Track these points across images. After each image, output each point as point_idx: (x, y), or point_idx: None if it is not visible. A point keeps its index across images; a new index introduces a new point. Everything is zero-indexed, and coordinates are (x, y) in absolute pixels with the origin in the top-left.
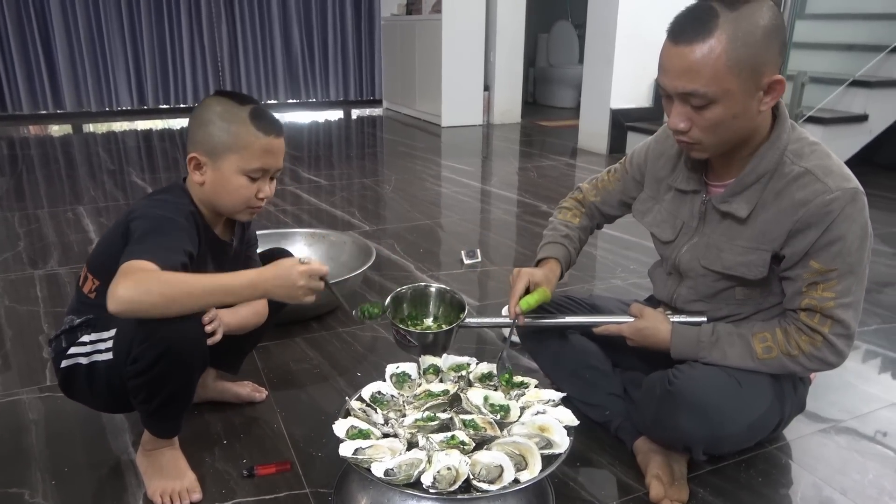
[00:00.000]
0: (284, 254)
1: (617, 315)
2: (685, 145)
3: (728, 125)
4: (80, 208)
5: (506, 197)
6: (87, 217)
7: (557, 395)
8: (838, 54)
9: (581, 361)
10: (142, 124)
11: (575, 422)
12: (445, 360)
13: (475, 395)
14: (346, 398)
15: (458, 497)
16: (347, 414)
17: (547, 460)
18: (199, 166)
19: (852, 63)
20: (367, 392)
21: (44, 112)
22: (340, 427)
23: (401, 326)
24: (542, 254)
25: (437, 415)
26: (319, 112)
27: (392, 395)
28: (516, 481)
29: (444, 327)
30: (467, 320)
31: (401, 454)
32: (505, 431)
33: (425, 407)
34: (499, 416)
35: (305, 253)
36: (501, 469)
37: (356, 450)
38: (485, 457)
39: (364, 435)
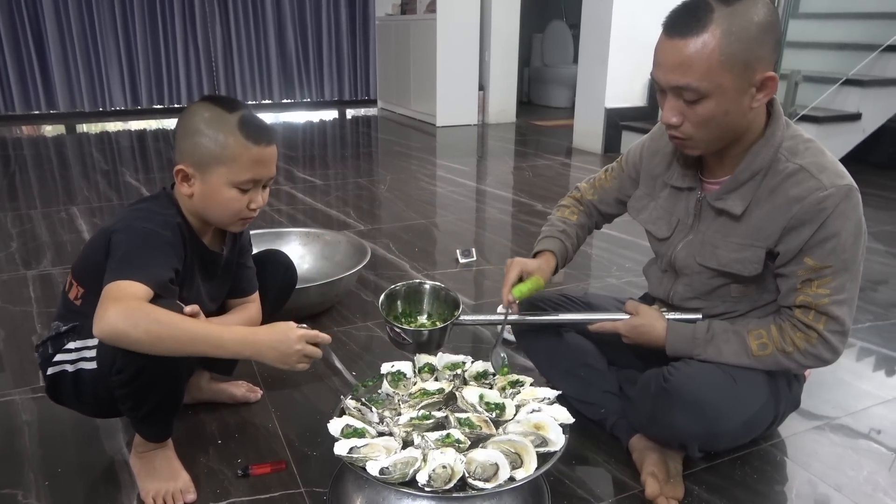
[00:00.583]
0: (279, 254)
1: (612, 313)
2: (678, 142)
3: (720, 121)
4: (73, 208)
5: (501, 196)
6: (81, 217)
7: (553, 393)
8: (832, 53)
9: (576, 359)
10: (135, 124)
11: (570, 420)
12: (440, 359)
13: (470, 393)
14: (341, 397)
15: (454, 495)
16: (342, 413)
17: (542, 458)
18: (187, 178)
19: (846, 62)
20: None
21: (37, 112)
22: (335, 426)
23: (395, 324)
24: (538, 247)
25: (433, 413)
26: (314, 112)
27: (387, 394)
28: (512, 479)
29: (439, 325)
30: (462, 317)
31: (396, 453)
32: (500, 429)
33: (420, 405)
34: (494, 415)
35: (300, 252)
36: (497, 467)
37: (351, 448)
38: (480, 455)
39: (359, 434)
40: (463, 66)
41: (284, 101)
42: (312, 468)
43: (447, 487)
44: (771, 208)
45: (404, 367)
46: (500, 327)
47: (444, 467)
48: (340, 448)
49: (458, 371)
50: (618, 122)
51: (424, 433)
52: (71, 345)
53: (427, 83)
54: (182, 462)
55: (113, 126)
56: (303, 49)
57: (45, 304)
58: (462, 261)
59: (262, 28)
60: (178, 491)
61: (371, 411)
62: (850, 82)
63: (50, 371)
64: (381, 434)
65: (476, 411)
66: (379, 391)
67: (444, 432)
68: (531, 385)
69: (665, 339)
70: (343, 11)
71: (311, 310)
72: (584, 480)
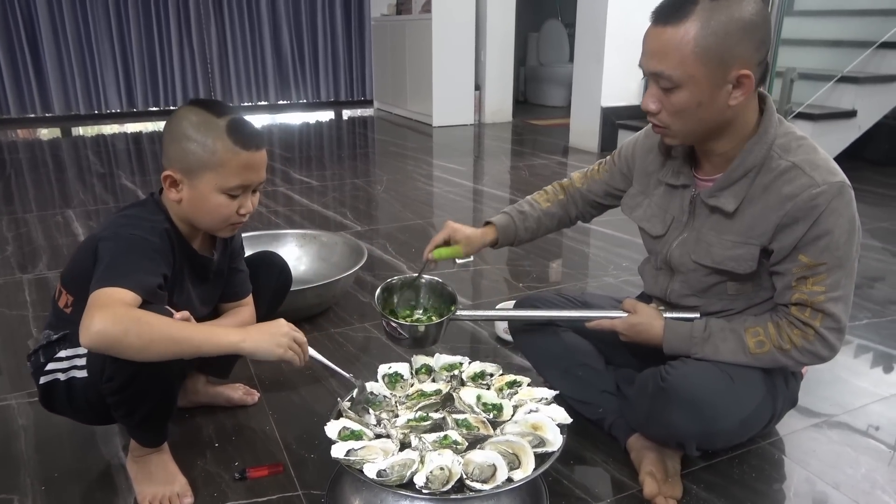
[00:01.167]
0: (274, 256)
1: (610, 311)
2: (657, 130)
3: (692, 112)
4: (69, 212)
5: (498, 196)
6: (77, 221)
7: (550, 393)
8: (827, 50)
9: (573, 359)
10: (131, 127)
11: (568, 420)
12: (437, 360)
13: (468, 394)
14: (339, 399)
15: (452, 497)
16: (340, 415)
17: (540, 459)
18: (175, 184)
19: (841, 59)
20: (347, 403)
21: (32, 115)
22: (332, 428)
23: (391, 318)
24: (490, 218)
25: (430, 414)
26: (310, 113)
27: (384, 396)
28: (510, 480)
29: (435, 319)
30: (458, 312)
31: (393, 455)
32: (498, 430)
33: (418, 407)
34: (491, 415)
35: (296, 253)
36: (494, 468)
37: (348, 451)
38: (478, 456)
39: (356, 436)
40: (459, 65)
41: (280, 102)
42: (310, 471)
43: (445, 489)
44: (764, 206)
45: (401, 368)
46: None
47: (441, 469)
48: (338, 451)
49: (456, 372)
50: (614, 120)
51: (422, 435)
52: (62, 353)
53: (423, 83)
54: (179, 466)
55: (108, 129)
56: (298, 50)
57: (41, 308)
58: (459, 261)
59: (257, 29)
60: (175, 495)
61: (368, 413)
62: (845, 79)
63: (42, 380)
64: (378, 436)
65: (473, 412)
66: (375, 393)
67: (442, 434)
68: (529, 385)
69: (662, 337)
70: (338, 12)
71: (308, 311)
72: (582, 480)
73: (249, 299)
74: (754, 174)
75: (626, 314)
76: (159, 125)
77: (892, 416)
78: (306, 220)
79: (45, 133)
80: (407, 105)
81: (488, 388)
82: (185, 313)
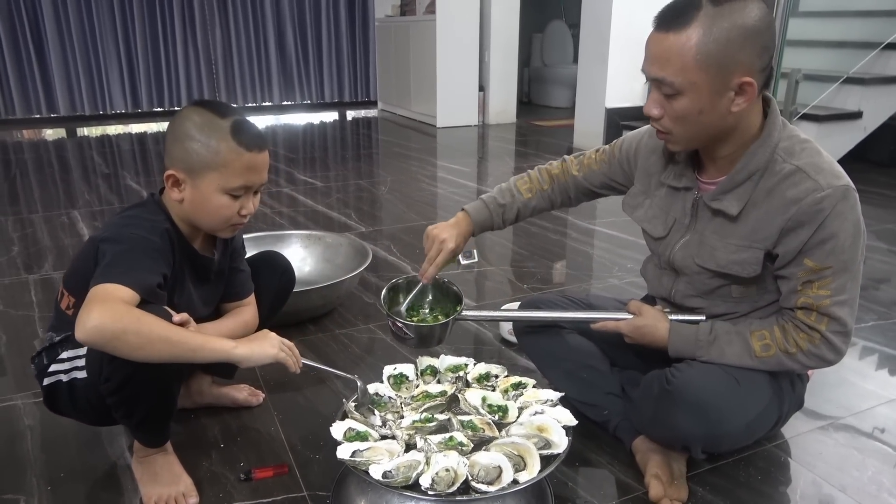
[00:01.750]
0: (276, 256)
1: (614, 313)
2: (660, 135)
3: (694, 119)
4: (74, 212)
5: None
6: (82, 221)
7: (555, 395)
8: (832, 51)
9: (578, 361)
10: (136, 127)
11: (573, 422)
12: (443, 361)
13: (473, 395)
14: (344, 400)
15: (457, 498)
16: (345, 416)
17: (545, 461)
18: (178, 183)
19: (846, 60)
20: (352, 405)
21: (37, 116)
22: (338, 429)
23: (397, 318)
24: (470, 208)
25: (435, 416)
26: (314, 114)
27: (390, 397)
28: (515, 482)
29: (441, 319)
30: (464, 312)
31: (399, 456)
32: (503, 432)
33: (423, 408)
34: (497, 417)
35: (301, 254)
36: (500, 470)
37: (354, 452)
38: (483, 458)
39: (362, 437)
40: (463, 66)
41: (284, 103)
42: (315, 472)
43: (450, 491)
44: (768, 209)
45: (406, 369)
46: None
47: (447, 470)
48: (343, 452)
49: (461, 373)
50: (618, 121)
51: (427, 436)
52: (64, 354)
53: (427, 84)
54: (184, 466)
55: (113, 129)
56: (302, 51)
57: (47, 309)
58: (463, 262)
59: (261, 30)
60: (181, 495)
61: (374, 414)
62: (850, 80)
63: (46, 382)
64: (383, 437)
65: (479, 414)
66: (380, 394)
67: (447, 435)
68: (534, 387)
69: (668, 340)
70: (342, 13)
71: (313, 312)
72: (588, 483)
73: (252, 299)
74: (758, 177)
75: (630, 316)
76: (164, 126)
77: None
78: (310, 220)
79: (51, 133)
80: (411, 106)
81: (493, 390)
82: (184, 316)
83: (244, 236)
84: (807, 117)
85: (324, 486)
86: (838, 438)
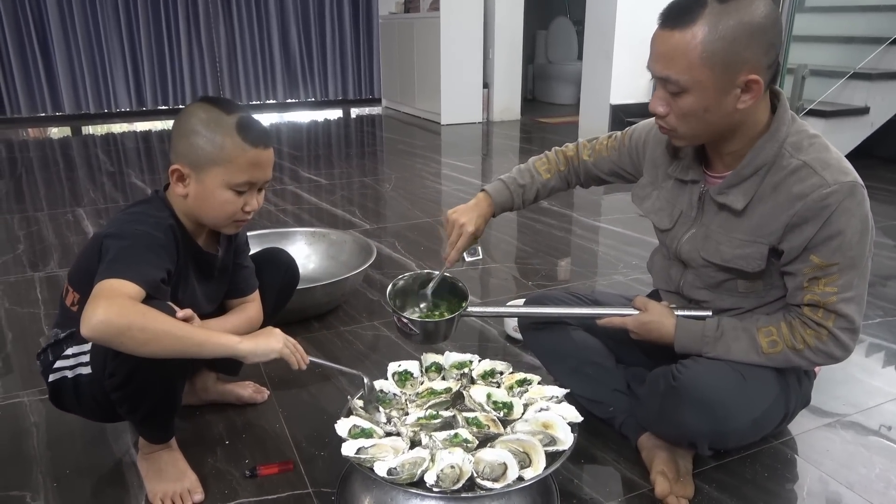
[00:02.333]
0: (280, 253)
1: (620, 309)
2: (664, 132)
3: (700, 117)
4: (79, 210)
5: None
6: (87, 219)
7: (561, 392)
8: (839, 47)
9: (584, 357)
10: (140, 125)
11: (579, 418)
12: (447, 358)
13: (478, 392)
14: (349, 397)
15: (462, 496)
16: (350, 413)
17: (551, 457)
18: (182, 178)
19: (853, 55)
20: (359, 402)
21: (42, 115)
22: (343, 426)
23: (402, 315)
24: (490, 188)
25: (440, 413)
26: (318, 111)
27: (394, 394)
28: (520, 479)
29: (447, 315)
30: (470, 309)
31: (404, 453)
32: (508, 429)
33: (428, 405)
34: (502, 414)
35: (306, 252)
36: (505, 467)
37: (359, 449)
38: (488, 454)
39: (367, 434)
40: (467, 63)
41: (288, 100)
42: (320, 469)
43: (455, 487)
44: (774, 205)
45: (411, 366)
46: (440, 270)
47: (452, 467)
48: (348, 449)
49: (466, 370)
50: (623, 118)
51: (432, 433)
52: (69, 351)
53: (431, 81)
54: (189, 463)
55: (118, 127)
56: (306, 48)
57: (52, 306)
58: (468, 259)
59: (265, 28)
60: (186, 491)
61: (378, 411)
62: (857, 76)
63: (51, 378)
64: (388, 434)
65: (484, 410)
66: (385, 391)
67: (452, 432)
68: (539, 384)
69: (674, 336)
70: (346, 10)
71: (318, 309)
72: (593, 480)
73: (256, 295)
74: (764, 172)
75: (636, 312)
76: (168, 124)
77: None
78: (315, 218)
79: (56, 132)
80: (415, 103)
81: (498, 387)
82: (188, 312)
83: (248, 233)
84: (813, 113)
85: (329, 483)
86: (845, 435)
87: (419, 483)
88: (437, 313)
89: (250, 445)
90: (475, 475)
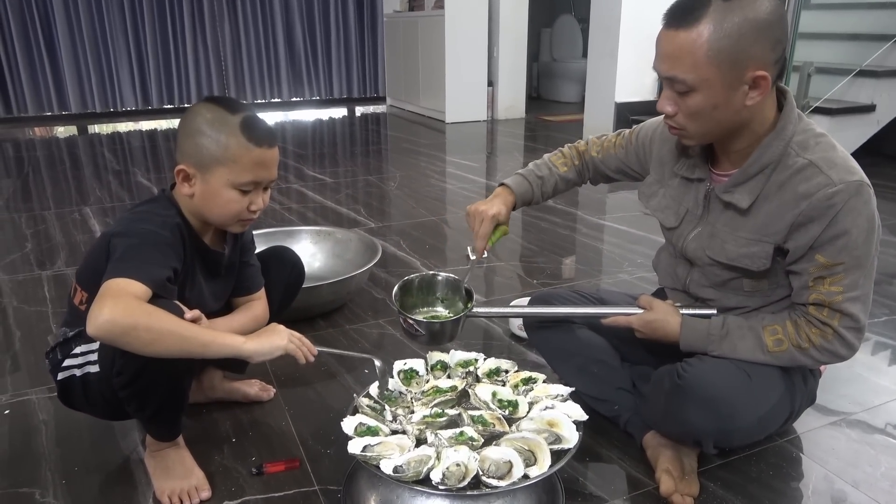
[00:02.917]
0: (286, 251)
1: (625, 307)
2: (673, 131)
3: (709, 115)
4: (86, 209)
5: None
6: (94, 217)
7: (566, 390)
8: (845, 44)
9: (589, 356)
10: (146, 124)
11: (584, 417)
12: (453, 356)
13: (483, 390)
14: (355, 395)
15: (468, 493)
16: (356, 411)
17: (556, 456)
18: (188, 178)
19: (859, 53)
20: (375, 389)
21: (48, 114)
22: (349, 424)
23: (408, 315)
24: (510, 181)
25: (446, 411)
26: (323, 110)
27: (400, 392)
28: (526, 477)
29: (453, 316)
30: (475, 309)
31: (409, 451)
32: (513, 427)
33: (433, 403)
34: (507, 412)
35: (311, 250)
36: (511, 465)
37: (365, 447)
38: (494, 452)
39: (372, 432)
40: (471, 61)
41: (293, 99)
42: (326, 466)
43: (461, 485)
44: (779, 204)
45: (417, 364)
46: (469, 263)
47: (457, 465)
48: (354, 446)
49: (471, 368)
50: (628, 116)
51: (438, 431)
52: (77, 349)
53: (436, 79)
54: (196, 460)
55: (124, 126)
56: (311, 47)
57: (60, 305)
58: (473, 257)
59: (270, 27)
60: (193, 488)
61: (384, 409)
62: (863, 73)
63: (60, 377)
64: (394, 432)
65: (489, 409)
66: (391, 389)
67: (458, 430)
68: (544, 382)
69: (679, 334)
70: (351, 8)
71: (323, 308)
72: (598, 478)
73: (262, 294)
74: (770, 171)
75: (642, 311)
76: (174, 122)
77: None
78: (320, 216)
79: (62, 131)
80: (419, 101)
81: (504, 385)
82: (196, 312)
83: (254, 232)
84: (819, 110)
85: (335, 481)
86: (851, 434)
87: (425, 481)
88: (442, 314)
89: (257, 443)
90: (481, 473)
